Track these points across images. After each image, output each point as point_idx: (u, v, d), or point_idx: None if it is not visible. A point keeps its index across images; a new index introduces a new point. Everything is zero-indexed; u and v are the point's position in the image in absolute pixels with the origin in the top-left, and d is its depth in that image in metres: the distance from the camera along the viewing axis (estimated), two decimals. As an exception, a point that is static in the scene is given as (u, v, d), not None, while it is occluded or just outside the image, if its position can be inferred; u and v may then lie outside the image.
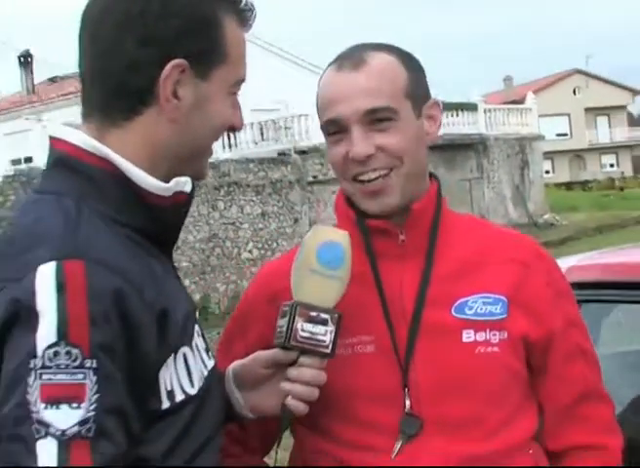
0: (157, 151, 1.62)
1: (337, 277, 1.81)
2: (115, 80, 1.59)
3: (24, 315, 1.41)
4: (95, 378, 1.40)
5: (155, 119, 1.61)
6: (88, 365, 1.40)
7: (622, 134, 71.28)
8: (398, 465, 1.88)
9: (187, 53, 1.59)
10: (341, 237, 1.85)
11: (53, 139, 1.63)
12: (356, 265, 1.89)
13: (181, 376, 1.58)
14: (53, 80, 42.98)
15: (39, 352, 1.39)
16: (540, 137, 34.99)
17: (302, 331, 1.76)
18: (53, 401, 1.38)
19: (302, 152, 25.94)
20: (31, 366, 1.39)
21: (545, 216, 32.78)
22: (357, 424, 1.92)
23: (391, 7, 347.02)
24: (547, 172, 61.73)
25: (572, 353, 2.02)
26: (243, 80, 1.72)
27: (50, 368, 1.39)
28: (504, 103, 40.48)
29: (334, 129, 1.96)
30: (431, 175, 2.07)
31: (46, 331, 1.40)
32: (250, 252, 23.59)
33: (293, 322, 1.76)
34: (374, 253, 1.98)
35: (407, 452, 1.88)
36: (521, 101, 37.07)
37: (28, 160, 36.23)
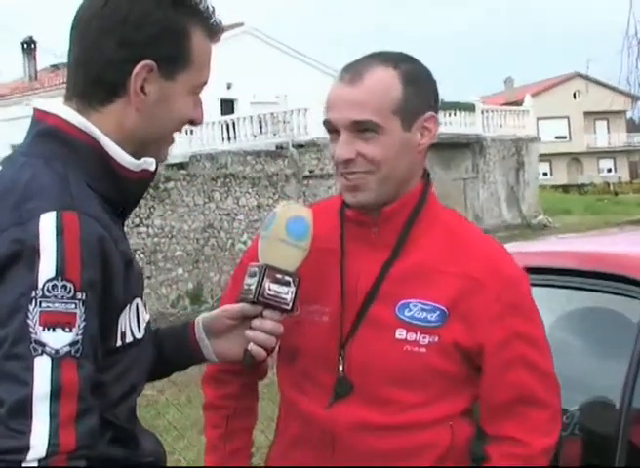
0: (124, 134, 1.92)
1: (300, 247, 2.14)
2: (95, 73, 1.90)
3: (27, 253, 1.69)
4: (83, 309, 1.71)
5: (125, 108, 1.91)
6: (79, 297, 1.70)
7: (621, 139, 71.45)
8: (326, 416, 2.23)
9: (156, 56, 1.89)
10: (307, 213, 2.18)
11: (39, 111, 1.94)
12: (330, 242, 2.26)
13: (132, 322, 1.90)
14: (56, 67, 43.10)
15: (40, 284, 1.68)
16: (535, 139, 35.16)
17: (269, 289, 2.09)
18: (50, 325, 1.67)
19: (300, 146, 26.12)
20: (32, 295, 1.68)
21: (539, 218, 32.99)
22: (303, 372, 2.30)
23: (392, 7, 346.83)
24: (545, 174, 61.84)
25: (512, 362, 2.22)
26: (205, 83, 2.00)
27: (48, 298, 1.68)
28: (506, 104, 40.68)
29: (329, 127, 2.24)
30: (424, 175, 2.33)
31: (46, 268, 1.69)
32: (244, 243, 23.76)
33: (262, 281, 2.09)
34: (346, 236, 2.29)
35: (335, 409, 2.23)
36: (522, 103, 37.24)
37: (28, 146, 36.35)
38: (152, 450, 2.01)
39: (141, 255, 20.63)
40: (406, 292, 2.22)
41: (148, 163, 1.95)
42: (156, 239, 21.81)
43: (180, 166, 22.80)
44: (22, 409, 1.64)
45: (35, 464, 1.62)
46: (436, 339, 2.18)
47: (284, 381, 2.37)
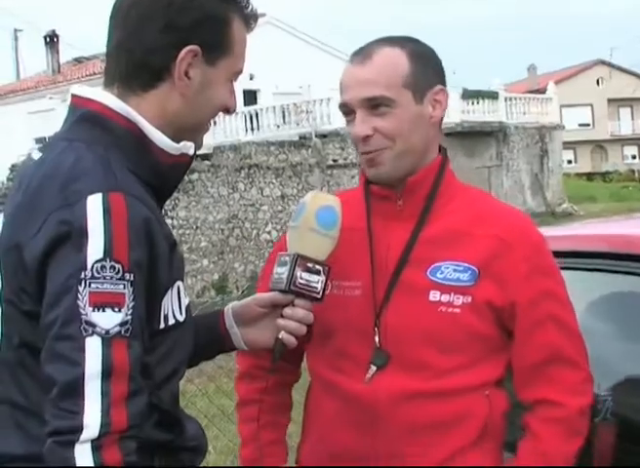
0: (166, 119, 1.94)
1: (330, 236, 2.17)
2: (139, 57, 1.92)
3: (76, 235, 1.72)
4: (131, 289, 1.73)
5: (168, 92, 1.94)
6: (127, 277, 1.73)
7: (645, 125, 70.97)
8: (366, 390, 2.25)
9: (200, 41, 1.92)
10: (336, 203, 2.20)
11: (79, 98, 1.96)
12: (358, 222, 2.31)
13: (174, 305, 1.92)
14: (78, 61, 43.22)
15: (89, 265, 1.71)
16: (559, 127, 35.10)
17: (300, 278, 2.12)
18: (99, 305, 1.70)
19: (323, 136, 26.13)
20: (82, 276, 1.70)
21: (563, 206, 32.93)
22: (338, 351, 2.32)
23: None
24: (570, 161, 61.59)
25: (542, 321, 2.28)
26: (241, 71, 2.03)
27: (97, 278, 1.71)
28: (529, 92, 40.55)
29: (344, 110, 2.32)
30: (441, 150, 2.39)
31: (95, 249, 1.71)
32: (269, 233, 23.88)
33: (293, 270, 2.12)
34: (372, 213, 2.34)
35: (374, 382, 2.25)
36: (545, 91, 37.11)
37: (52, 139, 36.38)
38: (196, 435, 2.03)
39: (167, 247, 20.69)
40: (437, 255, 2.27)
41: (187, 147, 1.97)
42: (181, 230, 21.90)
43: (204, 157, 22.84)
44: (74, 390, 1.67)
45: (88, 444, 1.65)
46: (469, 299, 2.23)
47: (318, 364, 2.38)
